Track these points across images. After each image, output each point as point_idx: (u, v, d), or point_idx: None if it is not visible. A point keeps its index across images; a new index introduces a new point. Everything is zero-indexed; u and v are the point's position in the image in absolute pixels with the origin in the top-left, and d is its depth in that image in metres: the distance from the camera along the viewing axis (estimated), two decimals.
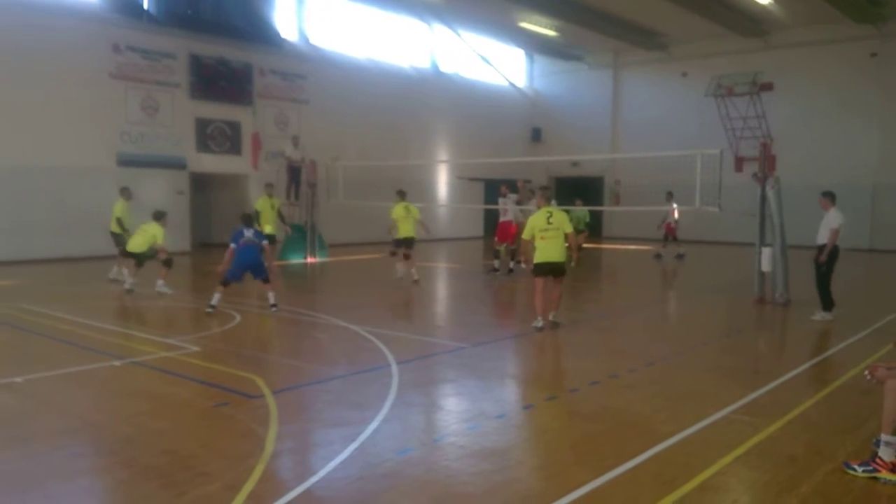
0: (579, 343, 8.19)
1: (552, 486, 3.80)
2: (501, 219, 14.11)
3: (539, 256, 8.11)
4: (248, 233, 9.34)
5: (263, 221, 14.33)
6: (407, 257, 12.56)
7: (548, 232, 8.01)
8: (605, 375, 6.36)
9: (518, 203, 14.12)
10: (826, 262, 9.14)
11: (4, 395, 5.55)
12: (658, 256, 17.92)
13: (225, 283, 9.20)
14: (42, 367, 6.32)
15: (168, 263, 10.94)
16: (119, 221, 12.57)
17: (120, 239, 12.31)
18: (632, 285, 13.62)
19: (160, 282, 10.84)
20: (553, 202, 9.59)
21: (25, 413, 5.17)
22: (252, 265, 9.31)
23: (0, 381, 5.81)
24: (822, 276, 9.26)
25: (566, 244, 8.24)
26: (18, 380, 5.83)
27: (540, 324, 8.25)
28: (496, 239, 14.41)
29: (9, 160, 15.45)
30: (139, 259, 11.10)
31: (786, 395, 5.63)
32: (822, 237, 9.20)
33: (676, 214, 17.61)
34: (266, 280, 9.45)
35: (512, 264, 13.84)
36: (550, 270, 8.14)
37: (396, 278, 12.54)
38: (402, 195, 13.03)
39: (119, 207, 12.75)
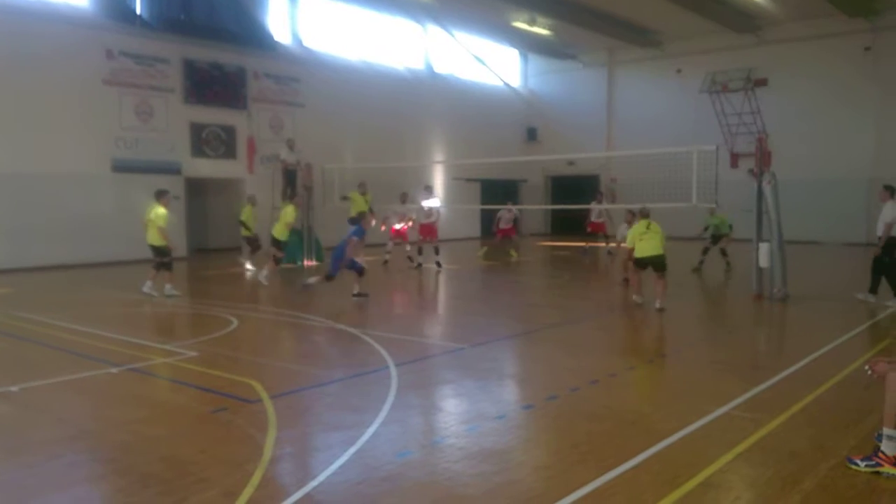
0: (578, 342, 8.17)
1: (553, 487, 3.77)
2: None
3: (638, 253, 9.87)
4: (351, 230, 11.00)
5: (250, 230, 15.34)
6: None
7: (646, 235, 9.82)
8: (604, 374, 6.34)
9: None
10: (890, 251, 9.52)
11: (0, 404, 5.50)
12: (584, 252, 18.75)
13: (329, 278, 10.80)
14: (38, 375, 6.27)
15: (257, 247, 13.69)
16: (245, 224, 15.16)
17: (252, 239, 15.02)
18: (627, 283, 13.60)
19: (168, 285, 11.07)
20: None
21: (21, 422, 5.13)
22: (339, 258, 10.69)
23: None
24: (885, 266, 9.65)
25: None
26: (14, 388, 5.78)
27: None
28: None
29: (2, 167, 15.37)
30: (281, 246, 12.88)
31: (786, 391, 5.62)
32: (880, 230, 9.62)
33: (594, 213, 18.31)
34: (357, 272, 10.73)
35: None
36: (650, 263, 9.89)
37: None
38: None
39: (247, 212, 15.22)
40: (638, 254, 9.87)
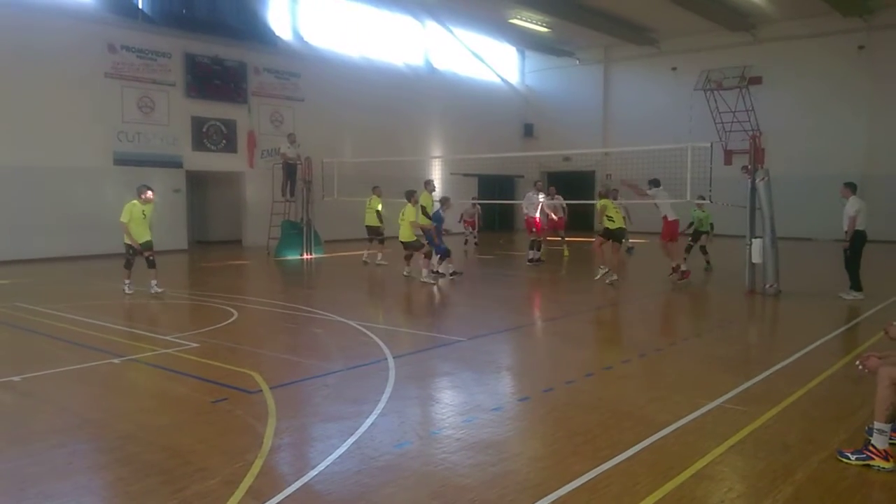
0: (574, 335, 8.24)
1: (549, 477, 3.83)
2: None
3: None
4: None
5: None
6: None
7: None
8: (599, 367, 6.41)
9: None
10: (851, 247, 9.74)
11: (3, 394, 5.54)
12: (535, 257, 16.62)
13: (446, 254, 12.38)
14: (40, 365, 6.31)
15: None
16: (379, 214, 15.05)
17: (378, 230, 15.03)
18: (623, 278, 13.68)
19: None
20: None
21: (24, 412, 5.17)
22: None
23: None
24: (849, 259, 9.83)
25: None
26: (17, 378, 5.83)
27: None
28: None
29: (5, 160, 15.41)
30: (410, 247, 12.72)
31: (778, 385, 5.69)
32: (846, 224, 9.83)
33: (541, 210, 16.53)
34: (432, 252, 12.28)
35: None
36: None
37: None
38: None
39: (374, 202, 15.03)
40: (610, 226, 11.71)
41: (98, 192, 16.86)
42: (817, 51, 22.67)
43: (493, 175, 26.44)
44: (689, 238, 14.79)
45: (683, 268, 12.09)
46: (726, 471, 3.98)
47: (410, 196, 12.72)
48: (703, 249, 14.61)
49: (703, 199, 14.10)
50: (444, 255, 12.37)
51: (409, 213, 12.48)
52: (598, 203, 12.13)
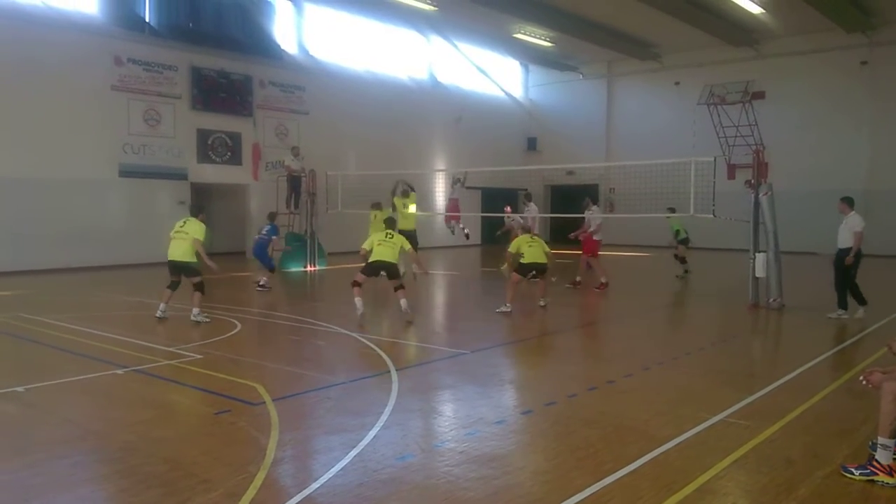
0: (576, 349, 8.24)
1: (552, 491, 3.82)
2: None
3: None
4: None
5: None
6: None
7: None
8: (602, 381, 6.40)
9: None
10: (851, 265, 9.60)
11: (6, 404, 5.55)
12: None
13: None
14: (44, 376, 6.33)
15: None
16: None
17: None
18: (626, 291, 13.67)
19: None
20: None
21: (27, 422, 5.18)
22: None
23: (1, 390, 5.82)
24: (845, 278, 9.65)
25: None
26: (20, 389, 5.84)
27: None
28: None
29: (12, 172, 15.52)
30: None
31: (782, 399, 5.67)
32: (844, 241, 9.57)
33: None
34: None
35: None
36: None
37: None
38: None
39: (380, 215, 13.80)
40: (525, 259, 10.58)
41: (103, 203, 16.98)
42: (820, 66, 22.77)
43: (497, 188, 26.51)
44: (676, 247, 14.96)
45: (603, 279, 12.93)
46: (729, 485, 3.96)
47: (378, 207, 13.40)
48: (678, 258, 14.78)
49: (673, 209, 14.75)
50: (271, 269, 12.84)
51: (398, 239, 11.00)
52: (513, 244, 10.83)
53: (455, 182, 16.42)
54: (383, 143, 22.84)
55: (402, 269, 10.11)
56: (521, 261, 10.51)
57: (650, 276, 16.52)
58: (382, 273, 9.52)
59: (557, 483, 3.95)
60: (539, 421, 5.22)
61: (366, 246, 9.58)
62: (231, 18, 18.80)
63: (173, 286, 9.50)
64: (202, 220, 9.57)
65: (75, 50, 16.41)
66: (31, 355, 7.56)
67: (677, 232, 15.32)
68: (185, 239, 9.31)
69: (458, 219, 16.32)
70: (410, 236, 12.41)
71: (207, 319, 9.25)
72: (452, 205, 16.07)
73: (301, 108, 21.29)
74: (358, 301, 9.18)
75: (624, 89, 27.85)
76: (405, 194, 14.31)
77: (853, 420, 5.07)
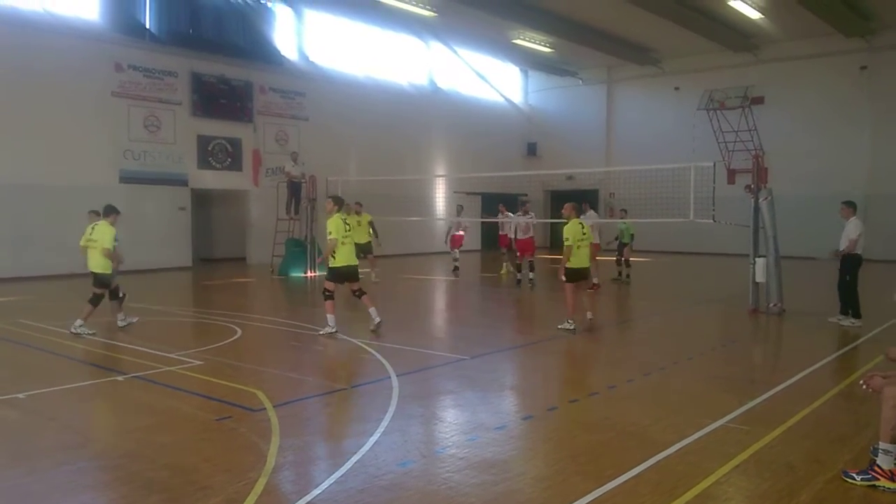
0: (577, 354, 8.23)
1: (553, 497, 3.82)
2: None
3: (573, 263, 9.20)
4: None
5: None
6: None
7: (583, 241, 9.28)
8: (603, 386, 6.40)
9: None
10: (849, 270, 9.45)
11: (7, 410, 5.56)
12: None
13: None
14: (44, 382, 6.32)
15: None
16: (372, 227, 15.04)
17: (368, 246, 14.51)
18: (627, 297, 13.67)
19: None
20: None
21: (28, 429, 5.19)
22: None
23: (2, 396, 5.82)
24: (847, 283, 9.55)
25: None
26: (21, 396, 5.84)
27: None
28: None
29: (12, 178, 15.54)
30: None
31: (783, 404, 5.67)
32: (842, 245, 9.54)
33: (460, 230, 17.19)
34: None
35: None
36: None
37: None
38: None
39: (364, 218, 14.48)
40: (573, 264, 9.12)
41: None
42: (820, 71, 22.82)
43: (497, 194, 26.50)
44: (616, 250, 15.09)
45: (532, 276, 13.61)
46: (731, 491, 3.96)
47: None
48: (625, 261, 14.86)
49: (626, 211, 15.52)
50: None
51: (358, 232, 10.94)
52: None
53: (459, 211, 18.20)
54: (383, 148, 22.89)
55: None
56: (568, 265, 9.07)
57: (651, 281, 16.52)
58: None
59: (558, 489, 3.94)
60: (540, 426, 5.22)
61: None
62: (231, 24, 18.88)
63: (109, 297, 8.97)
64: (112, 223, 8.91)
65: (76, 56, 16.46)
66: (31, 362, 7.56)
67: (631, 235, 15.43)
68: (96, 248, 8.77)
69: (458, 246, 17.23)
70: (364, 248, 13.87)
71: (93, 332, 8.65)
72: (457, 238, 17.29)
73: (301, 114, 21.35)
74: (372, 311, 9.11)
75: (623, 94, 27.92)
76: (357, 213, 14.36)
77: (854, 425, 5.07)
